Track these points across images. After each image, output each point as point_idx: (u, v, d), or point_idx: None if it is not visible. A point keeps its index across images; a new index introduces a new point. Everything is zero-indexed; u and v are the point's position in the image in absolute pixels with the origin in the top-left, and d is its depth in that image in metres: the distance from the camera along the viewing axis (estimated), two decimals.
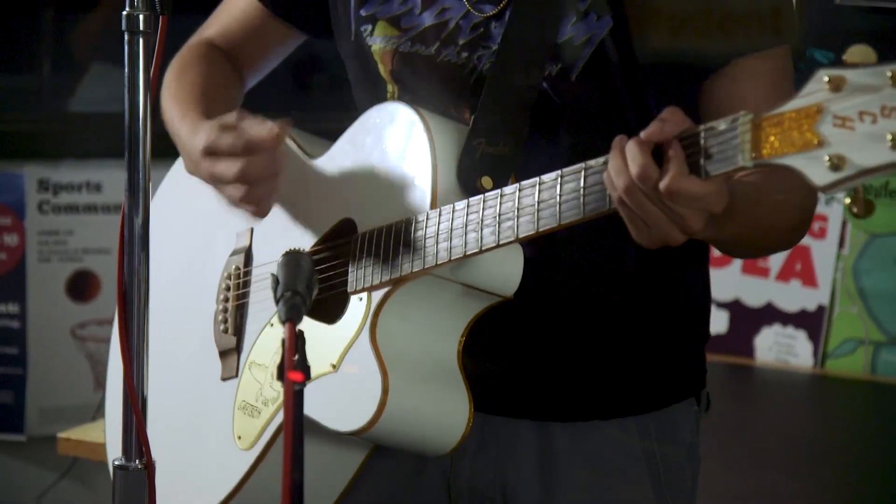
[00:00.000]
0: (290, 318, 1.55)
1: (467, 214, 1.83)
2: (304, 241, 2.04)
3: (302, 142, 2.13)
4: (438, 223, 1.86)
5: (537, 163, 1.84)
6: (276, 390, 2.01)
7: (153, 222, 2.22)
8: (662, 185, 1.62)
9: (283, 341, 1.53)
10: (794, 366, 4.01)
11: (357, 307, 1.93)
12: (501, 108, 1.92)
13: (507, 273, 1.91)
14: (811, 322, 4.01)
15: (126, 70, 1.79)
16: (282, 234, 2.06)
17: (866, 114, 1.45)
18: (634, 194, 1.65)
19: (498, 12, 1.96)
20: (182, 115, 2.10)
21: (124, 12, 1.78)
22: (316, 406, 1.86)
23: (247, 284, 2.12)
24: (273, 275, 1.64)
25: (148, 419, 1.81)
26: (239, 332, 2.11)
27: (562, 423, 2.01)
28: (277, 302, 1.59)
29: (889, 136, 1.43)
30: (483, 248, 1.81)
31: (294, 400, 1.52)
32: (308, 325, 1.98)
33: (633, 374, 2.02)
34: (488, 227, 1.81)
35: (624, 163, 1.65)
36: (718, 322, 4.12)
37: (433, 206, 1.88)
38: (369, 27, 2.04)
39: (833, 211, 3.98)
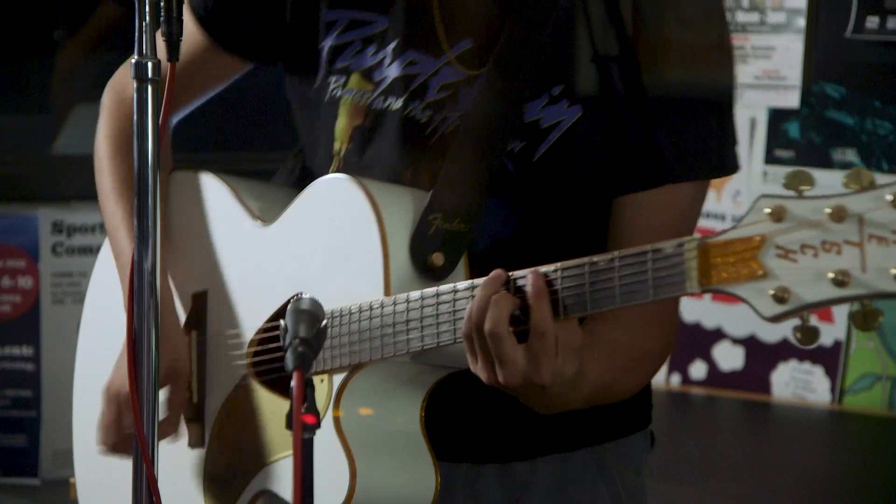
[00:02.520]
0: (298, 366, 1.55)
1: (423, 308, 1.83)
2: (260, 313, 2.03)
3: (251, 199, 2.10)
4: (394, 313, 1.85)
5: (489, 237, 1.91)
6: (245, 462, 2.01)
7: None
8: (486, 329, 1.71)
9: (292, 389, 1.52)
10: (812, 402, 3.99)
11: (318, 389, 1.92)
12: (461, 185, 1.92)
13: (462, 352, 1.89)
14: (828, 357, 3.99)
15: (135, 118, 1.79)
16: (238, 304, 2.06)
17: (808, 247, 1.48)
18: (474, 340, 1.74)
19: (468, 79, 1.95)
20: (123, 218, 2.12)
21: (133, 60, 1.78)
22: (286, 488, 1.89)
23: (202, 355, 2.11)
24: (283, 322, 1.64)
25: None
26: (201, 400, 2.10)
27: (522, 461, 2.03)
28: (285, 350, 1.59)
29: (830, 275, 1.46)
30: (441, 344, 1.82)
31: (303, 448, 1.52)
32: (271, 401, 2.00)
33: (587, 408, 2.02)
34: (445, 324, 1.81)
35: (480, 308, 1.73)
36: (734, 358, 4.11)
37: (387, 293, 1.87)
38: (343, 79, 2.02)
39: None
